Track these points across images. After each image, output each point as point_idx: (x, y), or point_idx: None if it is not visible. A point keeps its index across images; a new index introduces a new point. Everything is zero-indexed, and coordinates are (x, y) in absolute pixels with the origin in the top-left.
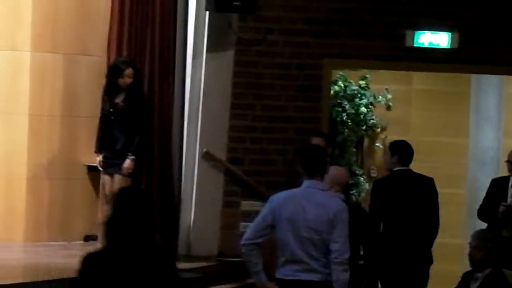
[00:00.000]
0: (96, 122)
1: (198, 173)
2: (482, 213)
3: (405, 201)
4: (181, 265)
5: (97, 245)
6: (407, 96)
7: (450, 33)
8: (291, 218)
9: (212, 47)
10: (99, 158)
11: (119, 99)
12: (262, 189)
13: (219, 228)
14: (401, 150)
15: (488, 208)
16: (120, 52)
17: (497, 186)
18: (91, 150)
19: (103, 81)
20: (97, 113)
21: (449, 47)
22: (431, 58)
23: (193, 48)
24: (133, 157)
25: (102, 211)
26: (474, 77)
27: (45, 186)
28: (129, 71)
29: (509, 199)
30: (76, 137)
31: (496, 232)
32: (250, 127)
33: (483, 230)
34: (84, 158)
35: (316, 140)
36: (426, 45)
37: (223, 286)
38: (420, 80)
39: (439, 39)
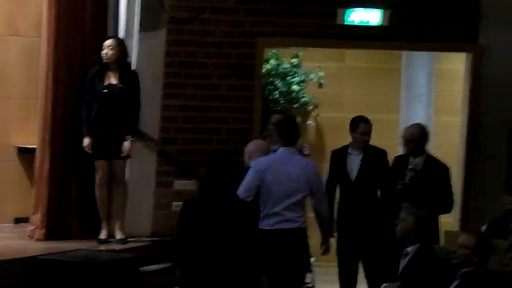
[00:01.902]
0: (28, 103)
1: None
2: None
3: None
4: (114, 246)
5: (28, 228)
6: (339, 74)
7: (381, 10)
8: (275, 178)
9: (144, 27)
10: (88, 141)
11: (113, 79)
12: (195, 168)
13: (152, 208)
14: None
15: (390, 186)
16: (52, 32)
17: (399, 164)
18: (22, 132)
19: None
20: (30, 94)
21: (380, 24)
22: (362, 36)
23: (125, 27)
24: (132, 139)
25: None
26: (405, 54)
27: None
28: (108, 42)
29: (406, 178)
30: (7, 118)
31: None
32: (183, 106)
33: (412, 205)
34: (15, 140)
35: (277, 117)
36: (357, 22)
37: (156, 266)
38: (352, 57)
39: (370, 17)
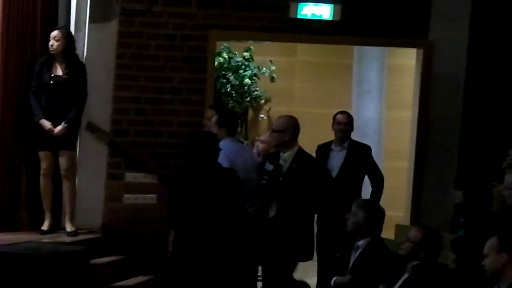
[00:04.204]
0: None
1: (81, 145)
2: None
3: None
4: (64, 238)
5: None
6: (291, 68)
7: (332, 5)
8: (243, 164)
9: (96, 18)
10: (48, 123)
11: (59, 70)
12: (147, 160)
13: (102, 200)
14: None
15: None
16: (1, 21)
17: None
18: None
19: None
20: None
21: (331, 18)
22: (314, 30)
23: (76, 19)
24: (65, 125)
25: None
26: (356, 49)
27: None
28: (54, 33)
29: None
30: None
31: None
32: (135, 98)
33: (363, 199)
34: None
35: (210, 112)
36: (309, 16)
37: (106, 258)
38: (304, 52)
39: (322, 11)
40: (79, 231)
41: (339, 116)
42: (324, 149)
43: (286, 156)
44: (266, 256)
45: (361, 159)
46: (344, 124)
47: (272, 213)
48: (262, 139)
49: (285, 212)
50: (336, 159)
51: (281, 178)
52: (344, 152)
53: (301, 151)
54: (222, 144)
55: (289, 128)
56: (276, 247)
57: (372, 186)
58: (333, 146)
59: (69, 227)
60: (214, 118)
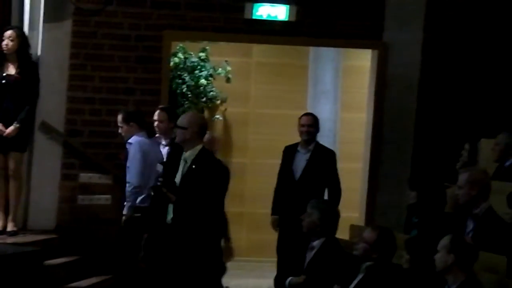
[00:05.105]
0: None
1: (35, 145)
2: None
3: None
4: (18, 239)
5: None
6: (246, 69)
7: (288, 6)
8: (155, 158)
9: (50, 17)
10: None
11: (11, 70)
12: (101, 161)
13: (57, 201)
14: None
15: None
16: None
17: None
18: None
19: None
20: None
21: (287, 19)
22: (270, 31)
23: (30, 18)
24: (18, 125)
25: None
26: (312, 50)
27: None
28: (8, 32)
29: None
30: None
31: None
32: (89, 98)
33: (318, 199)
34: None
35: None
36: (264, 17)
37: (61, 259)
38: (260, 53)
39: (277, 12)
40: (32, 232)
41: (303, 118)
42: (291, 151)
43: (187, 156)
44: (169, 264)
45: (323, 164)
46: (308, 126)
47: (169, 217)
48: None
49: (181, 216)
50: (300, 161)
51: (176, 179)
52: (308, 155)
53: (204, 151)
54: (134, 138)
55: (192, 126)
56: (177, 257)
57: (328, 197)
58: (299, 148)
59: (10, 227)
60: (120, 117)
